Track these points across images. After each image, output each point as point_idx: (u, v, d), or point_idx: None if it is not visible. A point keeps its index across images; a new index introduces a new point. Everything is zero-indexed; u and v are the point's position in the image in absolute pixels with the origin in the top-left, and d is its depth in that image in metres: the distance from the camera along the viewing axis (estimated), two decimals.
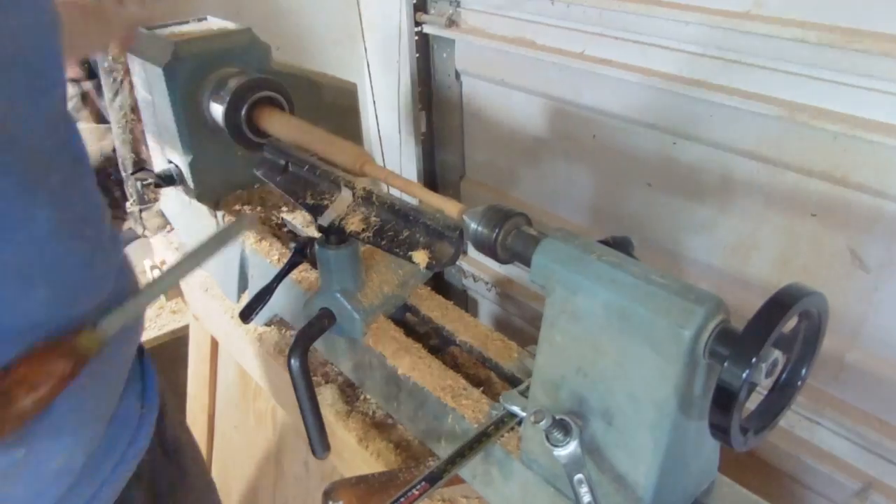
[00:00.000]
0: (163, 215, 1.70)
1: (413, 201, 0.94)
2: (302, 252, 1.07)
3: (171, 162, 1.31)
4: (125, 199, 1.82)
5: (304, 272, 1.11)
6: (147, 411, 0.86)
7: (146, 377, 0.90)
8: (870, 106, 1.17)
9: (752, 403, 0.63)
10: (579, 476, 0.65)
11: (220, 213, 1.30)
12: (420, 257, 0.86)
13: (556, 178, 1.82)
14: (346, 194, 0.94)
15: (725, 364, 0.57)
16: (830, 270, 1.33)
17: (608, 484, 0.69)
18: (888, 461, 1.33)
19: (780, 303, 0.57)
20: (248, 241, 1.21)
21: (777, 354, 0.58)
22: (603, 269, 0.65)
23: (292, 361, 0.89)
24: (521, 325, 2.05)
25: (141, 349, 0.90)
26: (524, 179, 1.92)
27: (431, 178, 2.18)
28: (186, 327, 1.66)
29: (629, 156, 1.60)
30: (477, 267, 2.11)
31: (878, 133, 1.15)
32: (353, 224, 0.92)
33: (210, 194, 1.30)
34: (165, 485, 0.91)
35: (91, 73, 1.77)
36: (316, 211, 0.94)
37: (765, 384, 0.60)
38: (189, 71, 1.18)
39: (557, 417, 0.66)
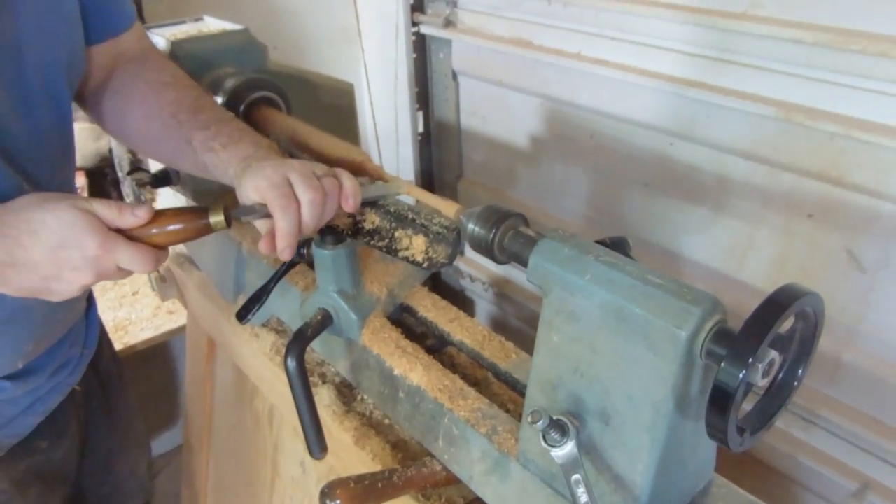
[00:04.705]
0: None
1: (410, 201, 0.94)
2: (299, 252, 1.06)
3: None
4: (121, 198, 1.81)
5: (301, 272, 1.10)
6: (86, 352, 1.11)
7: (90, 325, 1.12)
8: (866, 106, 1.17)
9: (749, 404, 0.63)
10: (576, 476, 0.65)
11: None
12: (417, 257, 0.86)
13: (553, 178, 1.82)
14: None
15: (722, 364, 0.57)
16: (827, 271, 1.33)
17: (605, 484, 0.69)
18: (885, 461, 1.33)
19: (777, 303, 0.57)
20: (245, 242, 1.21)
21: (773, 355, 0.58)
22: (600, 269, 0.65)
23: (289, 362, 0.89)
24: (518, 326, 2.05)
25: (90, 298, 1.12)
26: (521, 180, 1.92)
27: (428, 178, 2.18)
28: (183, 328, 1.66)
29: (626, 156, 1.60)
30: (474, 267, 2.11)
31: (874, 133, 1.15)
32: (346, 224, 0.92)
33: (206, 194, 1.29)
34: (93, 407, 1.20)
35: None
36: None
37: (761, 384, 0.60)
38: (186, 71, 1.18)
39: (554, 418, 0.66)
